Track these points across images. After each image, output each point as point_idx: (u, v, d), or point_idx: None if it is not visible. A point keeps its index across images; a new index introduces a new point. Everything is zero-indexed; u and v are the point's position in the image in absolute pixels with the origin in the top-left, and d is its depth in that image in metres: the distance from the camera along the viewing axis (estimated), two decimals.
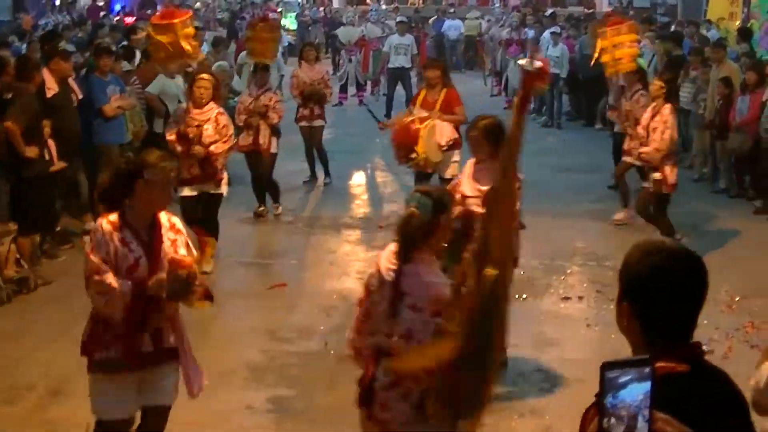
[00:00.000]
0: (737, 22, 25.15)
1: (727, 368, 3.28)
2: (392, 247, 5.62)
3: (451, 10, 36.68)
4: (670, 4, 39.44)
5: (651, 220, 12.68)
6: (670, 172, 12.34)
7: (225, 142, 11.49)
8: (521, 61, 5.06)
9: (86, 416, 6.43)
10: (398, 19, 28.58)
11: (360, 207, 15.44)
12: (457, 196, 7.95)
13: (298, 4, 46.96)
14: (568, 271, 11.93)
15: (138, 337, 6.01)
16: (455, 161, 12.26)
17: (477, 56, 34.39)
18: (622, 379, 2.73)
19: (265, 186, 14.27)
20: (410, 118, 12.41)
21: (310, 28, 39.49)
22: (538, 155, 19.16)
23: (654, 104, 12.63)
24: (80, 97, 13.12)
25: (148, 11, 35.62)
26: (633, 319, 3.22)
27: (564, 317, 10.44)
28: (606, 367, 2.73)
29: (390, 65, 23.96)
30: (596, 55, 14.61)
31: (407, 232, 5.48)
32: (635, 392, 2.74)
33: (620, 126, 14.36)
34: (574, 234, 13.59)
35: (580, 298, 10.89)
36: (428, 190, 5.67)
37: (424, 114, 12.30)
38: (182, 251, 6.10)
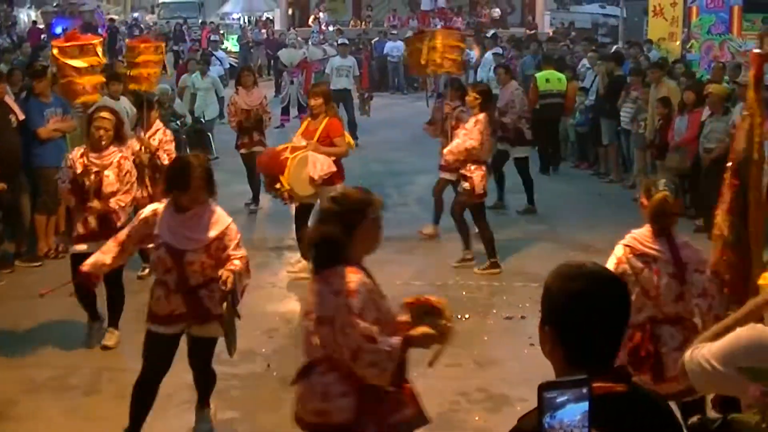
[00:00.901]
0: (677, 42, 25.47)
1: None
2: (644, 230, 6.76)
3: (393, 32, 36.79)
4: (611, 25, 39.92)
5: (461, 228, 13.10)
6: (477, 182, 12.54)
7: (127, 192, 9.87)
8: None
9: None
10: (340, 41, 28.62)
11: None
12: None
13: (240, 26, 46.99)
14: (511, 291, 11.97)
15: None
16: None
17: (420, 78, 34.58)
18: (560, 399, 2.74)
19: None
20: (282, 146, 12.18)
21: (252, 50, 39.48)
22: None
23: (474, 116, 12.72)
24: (21, 118, 12.94)
25: (89, 34, 35.49)
26: (556, 344, 3.22)
27: (507, 336, 10.48)
28: (544, 387, 2.74)
29: (332, 87, 23.95)
30: (423, 55, 14.17)
31: (665, 211, 6.64)
32: (573, 412, 2.74)
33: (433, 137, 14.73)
34: (516, 254, 13.64)
35: (523, 317, 10.92)
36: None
37: (302, 144, 11.98)
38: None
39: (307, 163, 11.71)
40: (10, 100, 13.11)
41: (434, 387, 8.98)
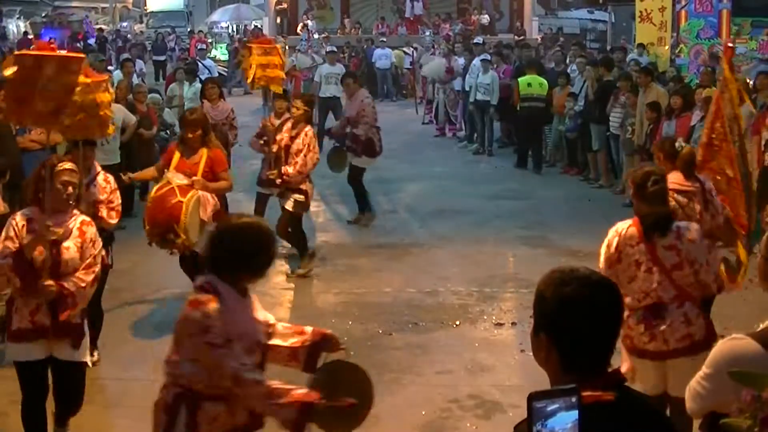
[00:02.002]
0: (666, 47, 25.52)
1: None
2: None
3: (382, 39, 36.81)
4: (600, 30, 40.01)
5: (291, 240, 12.94)
6: (311, 194, 12.83)
7: (89, 268, 7.36)
8: None
9: None
10: (328, 48, 28.62)
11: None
12: None
13: (228, 34, 47.00)
14: (501, 297, 11.96)
15: None
16: None
17: (408, 85, 34.64)
18: (551, 408, 2.74)
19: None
20: (167, 188, 10.20)
21: (242, 58, 39.50)
22: (469, 183, 19.33)
23: (292, 126, 12.64)
24: (18, 127, 12.88)
25: (78, 44, 35.49)
26: (551, 350, 3.21)
27: (498, 343, 10.46)
28: (534, 397, 2.74)
29: (321, 95, 23.92)
30: (250, 73, 13.62)
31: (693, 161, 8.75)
32: (564, 420, 2.74)
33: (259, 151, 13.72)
34: (507, 260, 13.66)
35: (514, 324, 10.91)
36: None
37: (184, 182, 10.17)
38: None
39: (200, 205, 10.18)
40: None
41: (425, 394, 8.99)
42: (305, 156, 12.36)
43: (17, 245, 7.09)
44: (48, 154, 7.90)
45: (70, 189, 7.37)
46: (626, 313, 6.55)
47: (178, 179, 10.21)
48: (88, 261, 7.39)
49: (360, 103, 15.43)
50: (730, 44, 11.34)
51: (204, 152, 10.72)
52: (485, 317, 11.22)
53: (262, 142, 13.13)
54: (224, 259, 5.38)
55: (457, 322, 10.94)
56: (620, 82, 18.12)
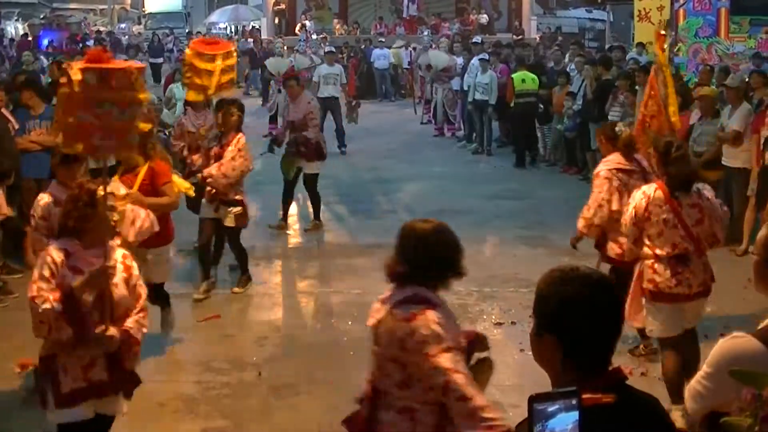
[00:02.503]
0: (665, 46, 25.45)
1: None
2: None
3: (381, 39, 36.80)
4: (598, 30, 39.99)
5: (243, 255, 12.35)
6: (246, 204, 12.04)
7: (142, 308, 6.61)
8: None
9: None
10: (327, 49, 28.61)
11: (291, 237, 15.39)
12: None
13: (227, 36, 47.00)
14: (501, 297, 11.94)
15: None
16: None
17: (407, 84, 34.60)
18: (551, 409, 2.74)
19: None
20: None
21: (239, 60, 39.43)
22: (468, 183, 19.32)
23: (224, 134, 11.92)
24: (17, 127, 12.87)
25: (78, 46, 35.51)
26: (555, 350, 3.21)
27: (497, 343, 10.41)
28: (534, 399, 2.73)
29: (319, 95, 23.90)
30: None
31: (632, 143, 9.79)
32: (564, 422, 2.74)
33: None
34: (506, 260, 13.64)
35: (513, 323, 10.90)
36: None
37: (121, 192, 8.98)
38: None
39: (127, 220, 8.70)
40: (6, 110, 13.04)
41: None
42: (233, 160, 11.64)
43: (58, 288, 6.08)
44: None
45: (116, 216, 6.79)
46: (651, 261, 8.27)
47: (117, 189, 8.76)
48: (141, 301, 6.55)
49: (307, 105, 15.17)
50: (663, 32, 12.80)
51: (146, 165, 9.72)
52: (485, 317, 11.21)
53: (185, 150, 12.66)
54: (430, 267, 5.19)
55: (457, 322, 10.91)
56: (619, 81, 18.10)
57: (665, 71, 11.70)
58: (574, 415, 2.75)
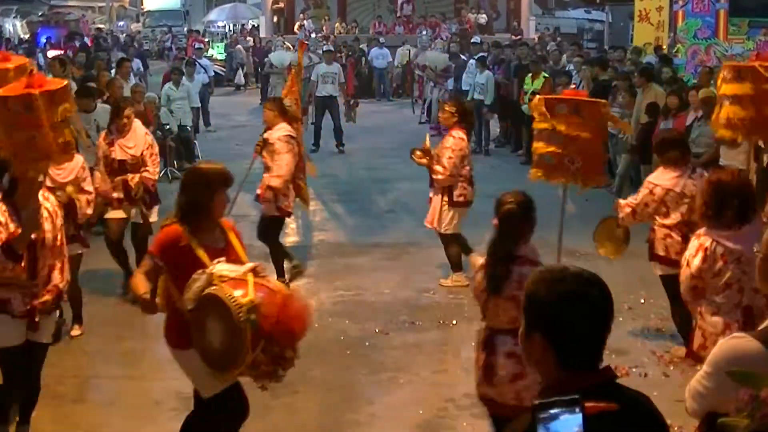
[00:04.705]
0: (664, 47, 25.50)
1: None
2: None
3: (381, 40, 36.78)
4: (597, 30, 39.99)
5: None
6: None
7: None
8: None
9: None
10: (325, 47, 28.61)
11: (289, 236, 15.36)
12: None
13: (225, 34, 46.98)
14: None
15: None
16: None
17: (405, 84, 34.59)
18: (554, 411, 2.75)
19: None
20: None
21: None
22: None
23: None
24: None
25: (75, 43, 35.47)
26: (547, 349, 3.21)
27: None
28: (537, 408, 2.75)
29: (318, 94, 23.90)
30: None
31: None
32: (570, 424, 2.75)
33: None
34: None
35: None
36: None
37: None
38: None
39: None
40: None
41: (422, 393, 8.99)
42: (152, 158, 11.56)
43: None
44: None
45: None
46: (666, 232, 9.46)
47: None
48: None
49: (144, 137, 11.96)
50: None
51: None
52: (481, 316, 11.20)
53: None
54: None
55: (454, 322, 10.93)
56: (618, 81, 18.12)
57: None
58: (578, 419, 2.76)
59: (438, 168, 12.26)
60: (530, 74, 21.57)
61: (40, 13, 53.78)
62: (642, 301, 11.46)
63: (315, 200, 17.13)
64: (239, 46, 39.70)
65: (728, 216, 7.04)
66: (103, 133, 11.82)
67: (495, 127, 24.51)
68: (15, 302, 7.23)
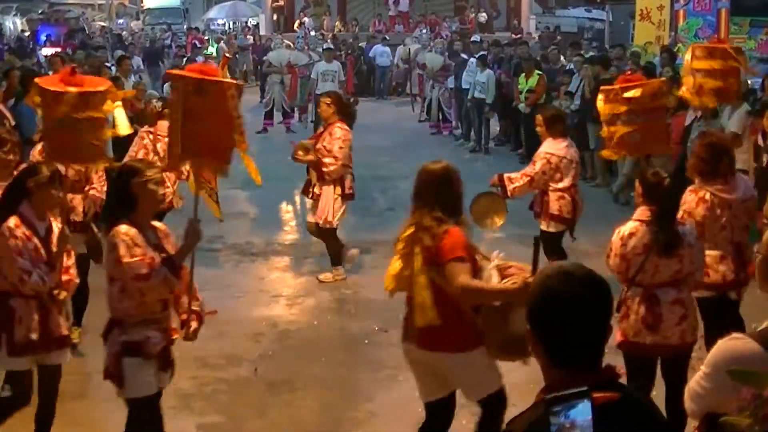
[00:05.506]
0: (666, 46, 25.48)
1: None
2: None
3: (385, 37, 36.75)
4: (597, 29, 39.93)
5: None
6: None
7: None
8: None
9: None
10: (325, 46, 28.61)
11: (288, 233, 15.37)
12: None
13: (225, 32, 46.97)
14: None
15: None
16: None
17: (406, 82, 34.58)
18: (567, 403, 2.79)
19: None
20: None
21: (238, 55, 39.41)
22: (465, 181, 19.18)
23: None
24: (12, 123, 12.83)
25: (75, 41, 35.48)
26: (537, 343, 3.23)
27: None
28: (550, 402, 2.79)
29: (318, 92, 23.89)
30: None
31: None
32: (583, 412, 2.78)
33: None
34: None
35: None
36: None
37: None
38: None
39: None
40: (2, 105, 13.00)
41: None
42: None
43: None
44: None
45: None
46: (560, 194, 11.05)
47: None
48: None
49: None
50: None
51: None
52: None
53: None
54: None
55: None
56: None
57: None
58: (588, 408, 2.79)
59: (328, 160, 12.28)
60: (523, 73, 21.64)
61: (39, 11, 53.71)
62: None
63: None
64: (222, 44, 39.57)
65: (721, 169, 8.32)
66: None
67: (494, 125, 24.46)
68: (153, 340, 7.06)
